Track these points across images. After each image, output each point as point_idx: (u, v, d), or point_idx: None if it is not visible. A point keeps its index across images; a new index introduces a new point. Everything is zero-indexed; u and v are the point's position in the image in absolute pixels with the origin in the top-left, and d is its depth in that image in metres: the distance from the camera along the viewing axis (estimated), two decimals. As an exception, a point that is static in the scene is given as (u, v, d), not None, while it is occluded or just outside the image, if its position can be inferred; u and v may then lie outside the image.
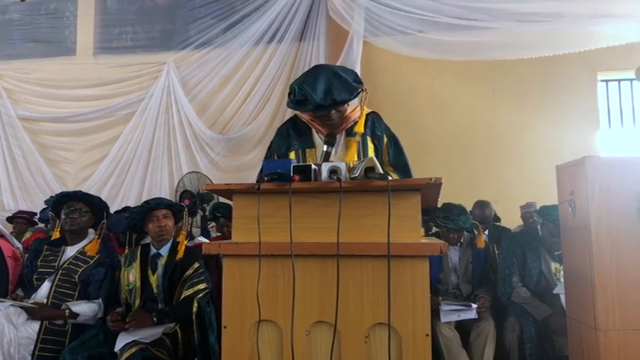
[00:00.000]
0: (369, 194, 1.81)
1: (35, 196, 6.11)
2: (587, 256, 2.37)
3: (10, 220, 5.47)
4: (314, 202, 1.84)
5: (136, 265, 2.95)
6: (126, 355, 2.52)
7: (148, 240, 3.22)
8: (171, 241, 3.03)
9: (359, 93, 2.32)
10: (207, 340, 2.75)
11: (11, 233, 4.69)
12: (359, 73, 2.78)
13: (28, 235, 5.10)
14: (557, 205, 2.83)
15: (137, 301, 2.88)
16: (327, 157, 2.26)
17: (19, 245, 3.81)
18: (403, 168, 2.45)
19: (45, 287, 2.96)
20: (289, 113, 5.57)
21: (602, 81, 5.45)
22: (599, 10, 4.60)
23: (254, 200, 1.81)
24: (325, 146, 2.29)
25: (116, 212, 4.43)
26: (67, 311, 2.86)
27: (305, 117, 2.47)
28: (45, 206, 4.92)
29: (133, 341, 2.58)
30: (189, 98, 5.95)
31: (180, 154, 5.87)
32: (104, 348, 2.71)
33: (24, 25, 6.61)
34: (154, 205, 3.01)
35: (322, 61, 5.23)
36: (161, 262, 2.96)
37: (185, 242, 3.03)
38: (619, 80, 5.49)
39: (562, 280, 3.10)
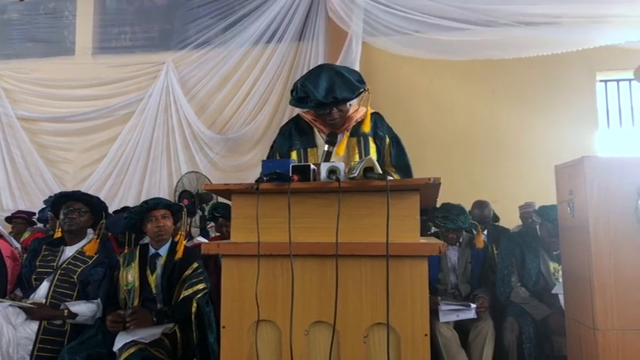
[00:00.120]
0: (367, 194, 1.82)
1: (34, 196, 6.10)
2: (585, 256, 2.37)
3: (8, 220, 5.47)
4: (313, 202, 1.84)
5: (135, 265, 2.95)
6: (125, 355, 2.52)
7: (146, 240, 3.21)
8: (170, 241, 3.03)
9: (361, 93, 2.32)
10: (206, 340, 2.75)
11: (10, 233, 4.69)
12: (358, 73, 2.79)
13: (26, 235, 5.10)
14: (556, 205, 2.83)
15: (136, 301, 2.88)
16: (327, 156, 2.26)
17: (18, 245, 3.82)
18: (405, 168, 2.46)
19: (44, 287, 2.95)
20: (288, 113, 5.63)
21: (600, 81, 5.46)
22: (598, 11, 4.60)
23: (253, 200, 1.81)
24: (326, 146, 2.29)
25: (115, 212, 4.43)
26: (66, 311, 2.86)
27: (308, 117, 2.48)
28: (44, 206, 4.92)
29: (132, 341, 2.57)
30: (188, 98, 5.94)
31: (179, 154, 5.87)
32: (102, 348, 2.71)
33: (23, 25, 6.60)
34: (152, 205, 3.00)
35: (321, 61, 5.22)
36: (160, 262, 2.96)
37: (184, 242, 3.03)
38: (618, 80, 5.49)
39: (561, 280, 3.11)
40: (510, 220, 4.71)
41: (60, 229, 3.18)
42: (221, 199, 4.31)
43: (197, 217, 5.15)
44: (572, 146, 4.80)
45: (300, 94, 2.29)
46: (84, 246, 3.09)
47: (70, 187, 5.73)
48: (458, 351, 3.12)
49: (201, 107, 5.97)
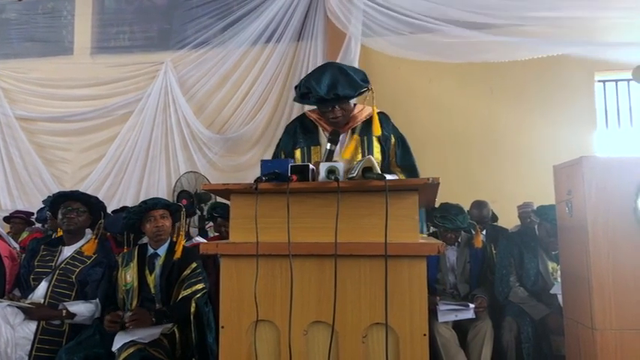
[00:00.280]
0: (366, 194, 1.82)
1: (32, 195, 6.09)
2: (584, 255, 2.38)
3: (7, 219, 5.46)
4: (312, 202, 1.84)
5: (134, 265, 2.95)
6: (124, 355, 2.51)
7: (145, 240, 3.21)
8: (168, 241, 3.03)
9: (363, 91, 2.32)
10: (205, 340, 2.75)
11: (8, 233, 4.69)
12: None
13: (25, 235, 5.09)
14: (555, 205, 2.84)
15: (134, 302, 2.87)
16: (330, 155, 2.26)
17: (16, 245, 3.81)
18: (411, 169, 2.45)
19: (42, 287, 2.95)
20: (287, 113, 5.63)
21: (599, 81, 5.46)
22: (597, 11, 4.60)
23: (252, 200, 1.81)
24: (328, 144, 2.29)
25: (113, 212, 4.43)
26: (64, 311, 2.86)
27: (313, 115, 2.48)
28: (42, 206, 4.92)
29: (131, 341, 2.57)
30: (186, 98, 5.94)
31: (177, 154, 5.86)
32: (100, 348, 2.70)
33: (21, 25, 6.59)
34: (151, 205, 3.00)
35: (320, 62, 5.22)
36: (159, 262, 2.95)
37: (183, 242, 3.03)
38: (616, 80, 5.50)
39: (559, 279, 3.11)
40: (509, 220, 4.72)
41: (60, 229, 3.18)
42: (220, 199, 4.30)
43: (196, 217, 5.15)
44: (570, 146, 4.80)
45: (303, 90, 2.30)
46: (82, 246, 3.09)
47: (68, 187, 5.73)
48: (456, 351, 3.12)
49: (199, 107, 5.97)
